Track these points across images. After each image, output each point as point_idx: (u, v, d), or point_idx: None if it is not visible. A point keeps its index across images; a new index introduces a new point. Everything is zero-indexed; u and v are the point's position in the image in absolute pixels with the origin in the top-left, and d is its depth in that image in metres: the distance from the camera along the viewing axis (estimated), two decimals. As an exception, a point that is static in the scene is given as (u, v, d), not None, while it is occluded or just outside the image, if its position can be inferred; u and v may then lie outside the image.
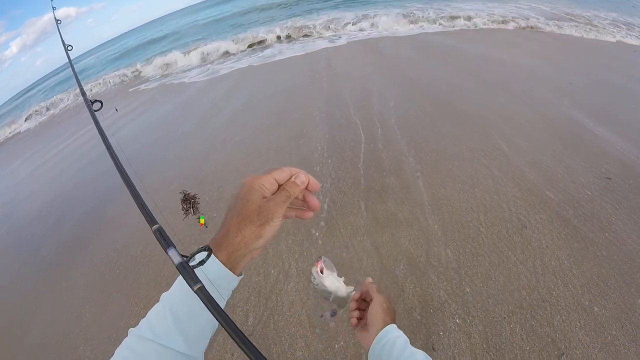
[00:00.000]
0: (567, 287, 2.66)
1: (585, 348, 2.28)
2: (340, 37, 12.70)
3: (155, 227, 0.69)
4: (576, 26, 9.77)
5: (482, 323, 2.51)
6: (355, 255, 3.17)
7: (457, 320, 2.55)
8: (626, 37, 9.16)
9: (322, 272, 0.98)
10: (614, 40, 9.15)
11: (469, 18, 12.03)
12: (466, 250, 3.08)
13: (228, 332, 0.52)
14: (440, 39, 10.48)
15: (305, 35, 14.06)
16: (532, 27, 10.30)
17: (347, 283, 1.05)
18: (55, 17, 2.56)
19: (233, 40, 14.99)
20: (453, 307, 2.64)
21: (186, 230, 3.93)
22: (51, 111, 15.37)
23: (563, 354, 2.26)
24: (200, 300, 0.63)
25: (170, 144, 6.62)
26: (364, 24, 13.52)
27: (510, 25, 10.47)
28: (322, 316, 2.70)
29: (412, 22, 12.93)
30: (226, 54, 14.01)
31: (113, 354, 0.61)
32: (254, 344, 0.51)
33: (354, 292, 1.06)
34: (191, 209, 4.15)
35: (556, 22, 10.51)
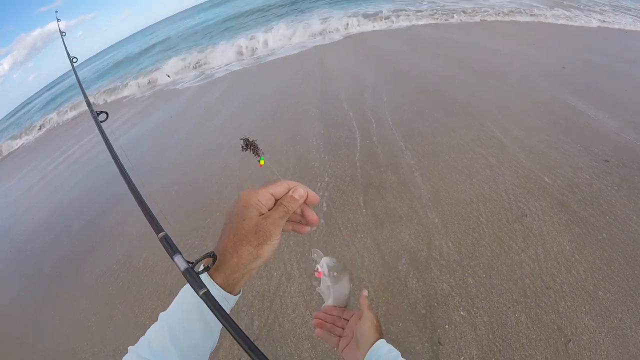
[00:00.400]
0: (570, 273, 2.65)
1: (592, 333, 2.27)
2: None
3: (161, 234, 0.69)
4: (567, 14, 9.70)
5: (487, 314, 2.51)
6: (357, 253, 3.17)
7: (462, 313, 2.55)
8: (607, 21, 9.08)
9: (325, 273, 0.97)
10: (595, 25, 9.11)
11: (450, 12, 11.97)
12: (467, 241, 3.07)
13: (234, 337, 0.52)
14: (428, 31, 10.47)
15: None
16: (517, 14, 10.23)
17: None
18: (60, 30, 2.54)
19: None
20: (457, 300, 2.63)
21: (189, 235, 3.92)
22: (47, 126, 15.37)
23: (570, 340, 2.25)
24: (199, 315, 0.63)
25: (166, 150, 6.62)
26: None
27: (498, 17, 10.39)
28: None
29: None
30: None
31: None
32: (259, 347, 0.51)
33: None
34: (253, 152, 4.19)
35: (547, 9, 10.46)
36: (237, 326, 0.53)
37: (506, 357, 2.25)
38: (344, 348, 0.99)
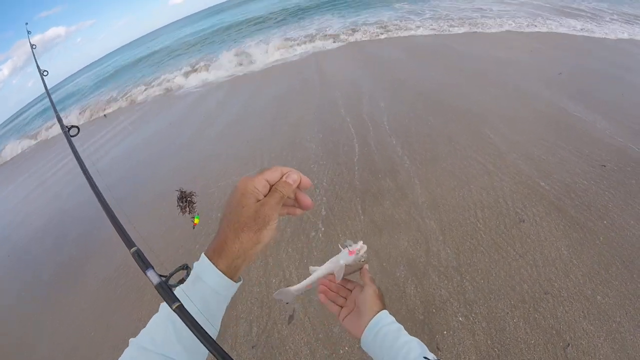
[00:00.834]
0: (568, 278, 2.65)
1: (591, 337, 2.26)
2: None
3: (133, 249, 0.69)
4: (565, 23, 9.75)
5: (486, 319, 2.50)
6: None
7: (460, 319, 2.54)
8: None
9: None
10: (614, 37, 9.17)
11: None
12: (465, 247, 3.07)
13: (208, 349, 0.53)
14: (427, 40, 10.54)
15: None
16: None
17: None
18: (30, 43, 2.57)
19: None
20: (455, 306, 2.63)
21: (174, 245, 3.92)
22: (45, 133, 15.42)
23: (569, 344, 2.25)
24: (203, 307, 0.64)
25: (163, 158, 6.64)
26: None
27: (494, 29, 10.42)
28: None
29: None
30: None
31: None
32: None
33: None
34: (187, 207, 4.15)
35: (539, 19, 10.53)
36: (213, 340, 0.55)
37: (505, 363, 2.25)
38: (345, 317, 1.00)
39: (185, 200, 4.35)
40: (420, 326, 2.55)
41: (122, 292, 3.66)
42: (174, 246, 3.98)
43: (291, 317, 2.79)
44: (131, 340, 0.64)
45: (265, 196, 0.69)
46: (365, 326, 0.93)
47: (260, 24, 23.10)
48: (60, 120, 1.60)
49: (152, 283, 0.61)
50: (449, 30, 10.77)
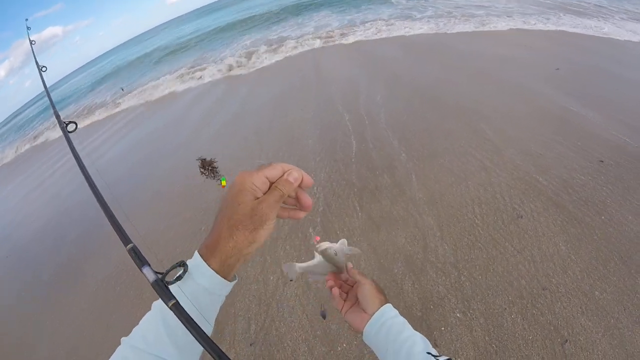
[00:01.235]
0: (566, 273, 2.64)
1: (589, 333, 2.26)
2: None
3: (129, 246, 0.68)
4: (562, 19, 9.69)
5: (483, 315, 2.50)
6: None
7: (458, 315, 2.54)
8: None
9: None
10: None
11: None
12: (463, 243, 3.06)
13: (204, 347, 0.52)
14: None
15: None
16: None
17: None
18: (29, 39, 2.55)
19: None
20: (453, 302, 2.63)
21: (169, 244, 3.92)
22: (43, 134, 15.35)
23: (566, 340, 2.25)
24: (193, 304, 0.62)
25: (163, 157, 6.63)
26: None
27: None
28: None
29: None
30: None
31: None
32: (230, 358, 0.50)
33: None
34: (211, 174, 4.18)
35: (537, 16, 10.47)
36: (208, 336, 0.53)
37: (503, 359, 2.25)
38: (347, 311, 0.99)
39: (208, 167, 4.38)
40: (418, 323, 2.55)
41: (121, 290, 3.65)
42: (172, 244, 3.97)
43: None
44: (123, 339, 0.63)
45: (264, 194, 0.66)
46: (368, 319, 0.92)
47: (258, 22, 22.96)
48: (57, 116, 1.59)
49: (148, 280, 0.60)
50: (451, 28, 10.64)
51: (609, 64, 6.15)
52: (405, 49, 9.33)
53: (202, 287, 0.63)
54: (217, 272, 0.63)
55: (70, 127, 1.35)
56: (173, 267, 0.62)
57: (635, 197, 3.17)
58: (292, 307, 2.87)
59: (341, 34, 12.78)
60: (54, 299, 4.01)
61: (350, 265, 1.03)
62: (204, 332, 0.54)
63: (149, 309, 0.65)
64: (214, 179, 4.24)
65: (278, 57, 11.98)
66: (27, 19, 2.77)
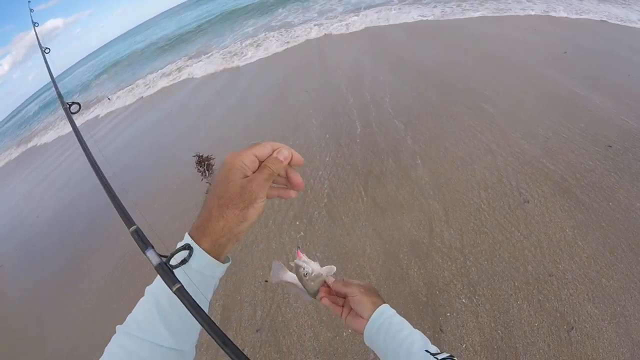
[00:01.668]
0: (573, 260, 2.63)
1: (595, 320, 2.27)
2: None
3: (132, 228, 0.66)
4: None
5: (489, 301, 2.50)
6: (358, 242, 3.16)
7: (464, 300, 2.54)
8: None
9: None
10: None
11: None
12: (469, 228, 3.05)
13: (209, 333, 0.50)
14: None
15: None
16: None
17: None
18: (32, 20, 2.47)
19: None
20: (459, 287, 2.63)
21: (170, 226, 3.92)
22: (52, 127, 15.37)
23: (572, 328, 2.25)
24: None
25: (165, 146, 6.61)
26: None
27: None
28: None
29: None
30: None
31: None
32: (236, 344, 0.48)
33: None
34: (206, 171, 4.16)
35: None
36: (212, 320, 0.51)
37: (508, 345, 2.26)
38: (347, 316, 0.97)
39: (204, 164, 4.35)
40: (424, 308, 2.56)
41: (128, 279, 3.69)
42: (180, 231, 3.98)
43: None
44: (118, 327, 0.61)
45: (254, 172, 0.65)
46: (366, 322, 0.90)
47: (262, 7, 22.34)
48: (60, 96, 1.55)
49: (152, 264, 0.58)
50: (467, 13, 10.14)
51: (622, 49, 6.01)
52: (413, 33, 9.11)
53: (194, 269, 0.61)
54: (208, 253, 0.62)
55: (74, 108, 1.32)
56: (178, 250, 0.60)
57: (643, 184, 3.14)
58: (297, 293, 2.87)
59: (346, 22, 12.24)
60: (61, 289, 4.06)
61: (331, 279, 1.01)
62: (209, 318, 0.52)
63: None
64: (209, 176, 4.21)
65: (282, 46, 11.70)
66: (29, 1, 2.69)
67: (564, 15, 8.30)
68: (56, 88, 1.78)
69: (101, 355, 0.56)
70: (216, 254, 0.63)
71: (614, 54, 5.68)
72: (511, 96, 4.84)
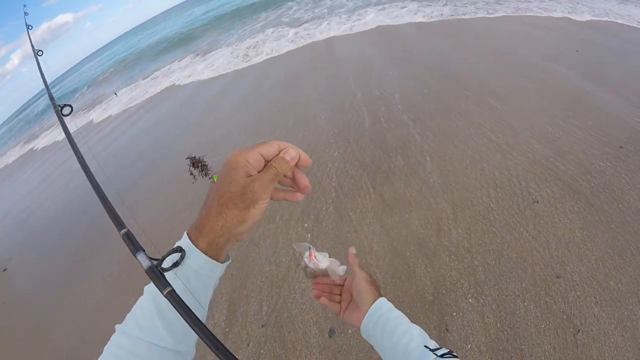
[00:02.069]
0: (581, 262, 2.62)
1: (602, 324, 2.26)
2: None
3: (123, 231, 0.66)
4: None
5: (496, 302, 2.50)
6: (365, 239, 3.16)
7: (470, 300, 2.54)
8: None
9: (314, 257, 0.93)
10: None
11: None
12: (477, 227, 3.04)
13: (200, 337, 0.50)
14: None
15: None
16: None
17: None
18: (26, 23, 2.50)
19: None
20: (465, 287, 2.63)
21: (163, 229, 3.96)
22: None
23: (579, 330, 2.25)
24: (184, 288, 0.59)
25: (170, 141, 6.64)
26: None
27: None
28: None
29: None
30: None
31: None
32: (227, 348, 0.49)
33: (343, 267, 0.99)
34: (202, 172, 4.19)
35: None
36: (204, 326, 0.51)
37: (514, 346, 2.26)
38: (344, 311, 0.97)
39: (198, 165, 4.38)
40: (430, 307, 2.56)
41: (131, 275, 3.73)
42: (179, 231, 4.01)
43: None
44: (117, 326, 0.61)
45: (259, 172, 0.63)
46: (364, 315, 0.90)
47: (273, 1, 22.15)
48: (52, 99, 1.56)
49: (143, 267, 0.58)
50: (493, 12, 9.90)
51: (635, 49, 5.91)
52: (426, 31, 9.03)
53: (191, 270, 0.60)
54: (205, 253, 0.60)
55: (66, 111, 1.32)
56: (169, 253, 0.59)
57: (655, 186, 3.10)
58: (303, 289, 2.89)
59: (355, 18, 12.15)
60: (70, 281, 4.12)
61: (352, 250, 1.00)
62: (201, 322, 0.52)
63: None
64: (205, 176, 4.22)
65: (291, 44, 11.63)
66: (25, 5, 2.73)
67: (588, 18, 8.13)
68: (47, 90, 1.80)
69: (101, 354, 0.56)
70: (214, 254, 0.62)
71: (629, 55, 5.58)
72: (521, 94, 4.79)
